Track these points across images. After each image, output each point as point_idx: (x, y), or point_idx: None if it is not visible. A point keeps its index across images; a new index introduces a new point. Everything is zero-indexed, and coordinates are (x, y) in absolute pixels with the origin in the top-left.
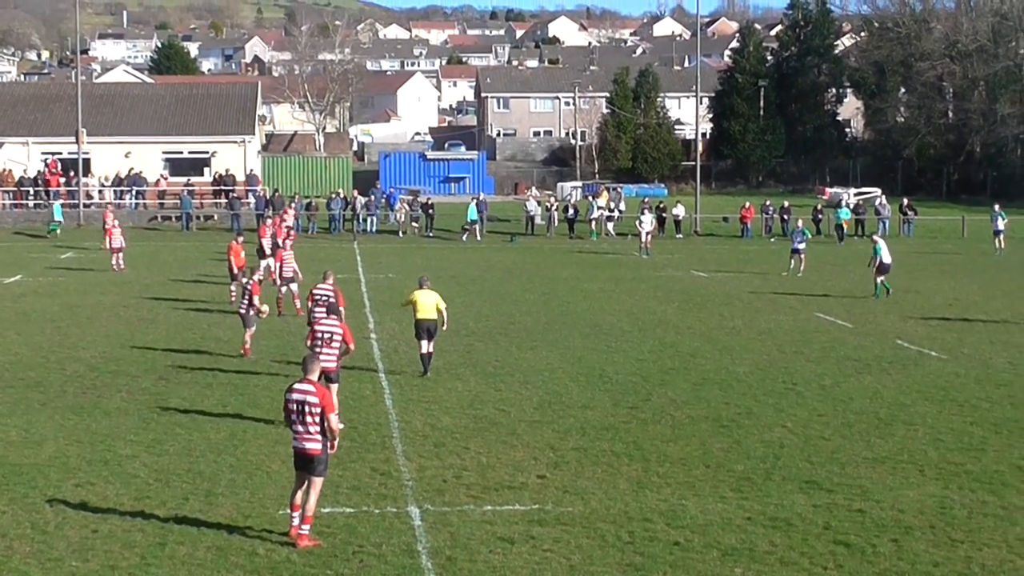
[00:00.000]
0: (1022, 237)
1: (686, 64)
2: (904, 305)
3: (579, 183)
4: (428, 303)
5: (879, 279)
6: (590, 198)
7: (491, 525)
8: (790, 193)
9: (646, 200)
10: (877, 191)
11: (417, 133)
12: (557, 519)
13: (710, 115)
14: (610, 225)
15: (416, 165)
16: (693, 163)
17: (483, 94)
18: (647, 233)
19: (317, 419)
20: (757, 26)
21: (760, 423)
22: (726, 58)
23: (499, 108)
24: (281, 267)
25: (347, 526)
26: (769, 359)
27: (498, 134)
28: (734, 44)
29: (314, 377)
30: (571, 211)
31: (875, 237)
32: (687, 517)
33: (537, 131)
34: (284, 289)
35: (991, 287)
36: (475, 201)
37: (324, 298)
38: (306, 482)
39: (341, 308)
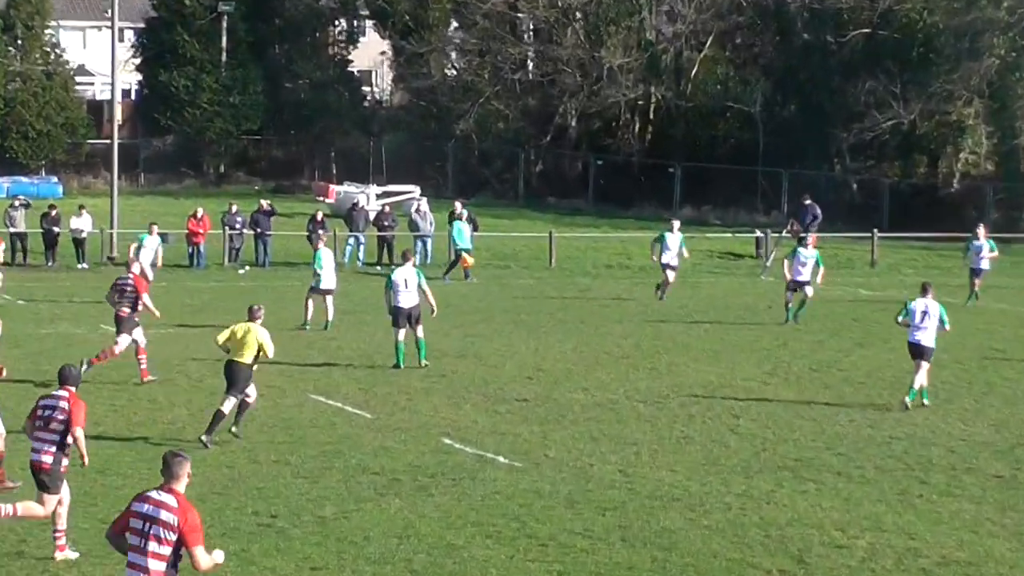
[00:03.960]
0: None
1: None
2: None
3: None
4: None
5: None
6: None
7: None
8: (272, 192)
9: (18, 200)
10: (415, 190)
11: None
12: None
13: (137, 60)
14: None
15: None
16: (107, 142)
17: None
18: None
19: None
20: None
21: None
22: None
23: None
24: None
25: None
26: None
27: None
28: None
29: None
30: None
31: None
32: None
33: None
34: None
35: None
36: None
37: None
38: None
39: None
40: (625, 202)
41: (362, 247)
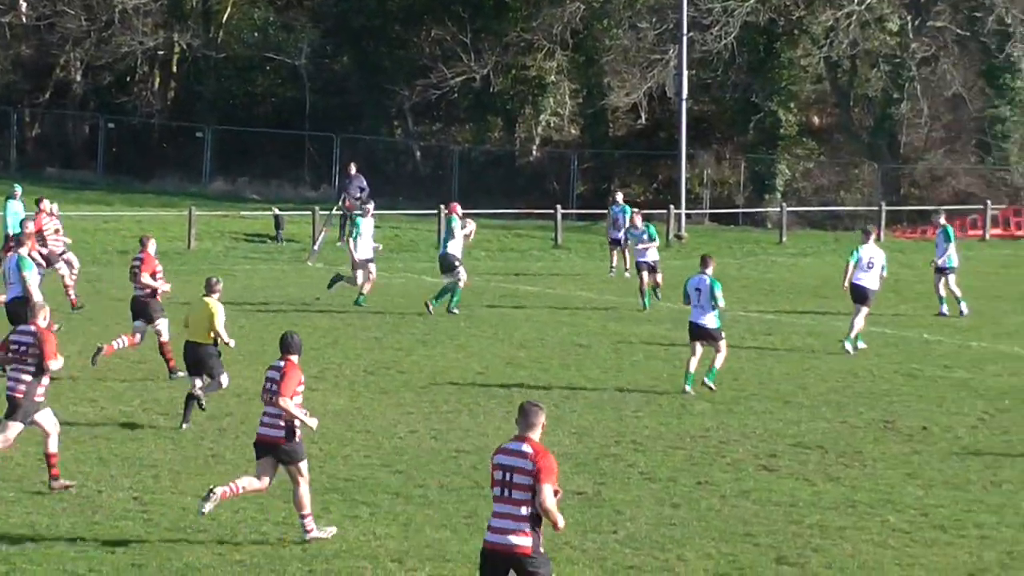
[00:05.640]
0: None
1: None
2: None
3: None
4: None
5: None
6: None
7: None
8: None
9: None
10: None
11: None
12: None
13: None
14: None
15: None
16: None
17: None
18: None
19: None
20: None
21: None
22: None
23: None
24: None
25: None
26: None
27: None
28: None
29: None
30: None
31: None
32: None
33: None
34: None
35: None
36: None
37: None
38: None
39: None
40: (143, 173)
41: None
